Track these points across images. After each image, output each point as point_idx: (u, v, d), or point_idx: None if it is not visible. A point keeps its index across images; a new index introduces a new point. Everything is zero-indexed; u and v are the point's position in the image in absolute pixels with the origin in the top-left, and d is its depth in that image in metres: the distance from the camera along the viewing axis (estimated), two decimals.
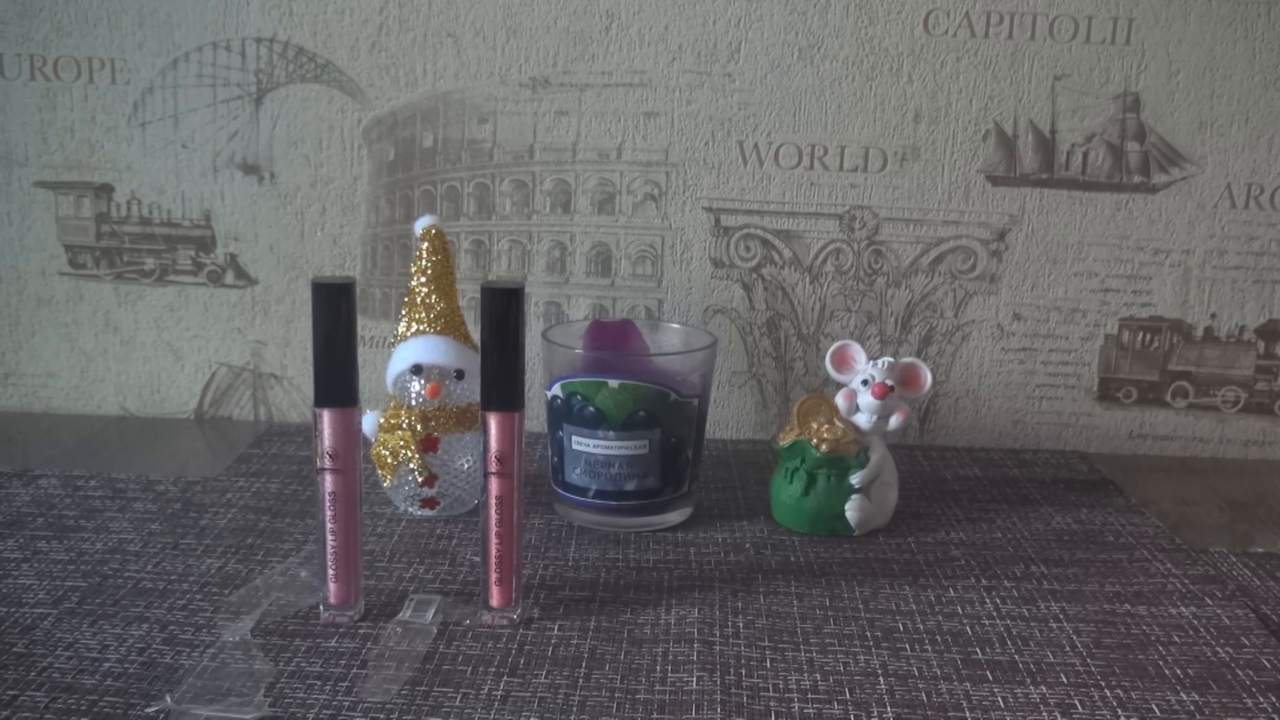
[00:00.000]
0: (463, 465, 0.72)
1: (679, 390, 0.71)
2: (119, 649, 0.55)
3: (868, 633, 0.59)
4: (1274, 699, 0.54)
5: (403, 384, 0.71)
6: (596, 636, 0.58)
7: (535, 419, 0.87)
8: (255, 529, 0.71)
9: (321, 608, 0.59)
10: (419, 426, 0.70)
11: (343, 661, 0.55)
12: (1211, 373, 0.91)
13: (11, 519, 0.71)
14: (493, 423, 0.57)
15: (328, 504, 0.58)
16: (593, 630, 0.59)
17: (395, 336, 0.74)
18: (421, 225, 0.73)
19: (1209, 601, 0.64)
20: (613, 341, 0.75)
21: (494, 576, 0.59)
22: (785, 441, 0.73)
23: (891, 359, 0.72)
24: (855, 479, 0.71)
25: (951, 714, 0.52)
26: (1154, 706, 0.53)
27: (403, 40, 0.87)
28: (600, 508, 0.72)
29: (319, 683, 0.53)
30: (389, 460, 0.71)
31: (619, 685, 0.54)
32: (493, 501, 0.58)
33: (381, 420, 0.72)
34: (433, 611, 0.60)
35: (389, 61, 0.87)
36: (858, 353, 0.73)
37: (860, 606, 0.62)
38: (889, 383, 0.71)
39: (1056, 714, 0.52)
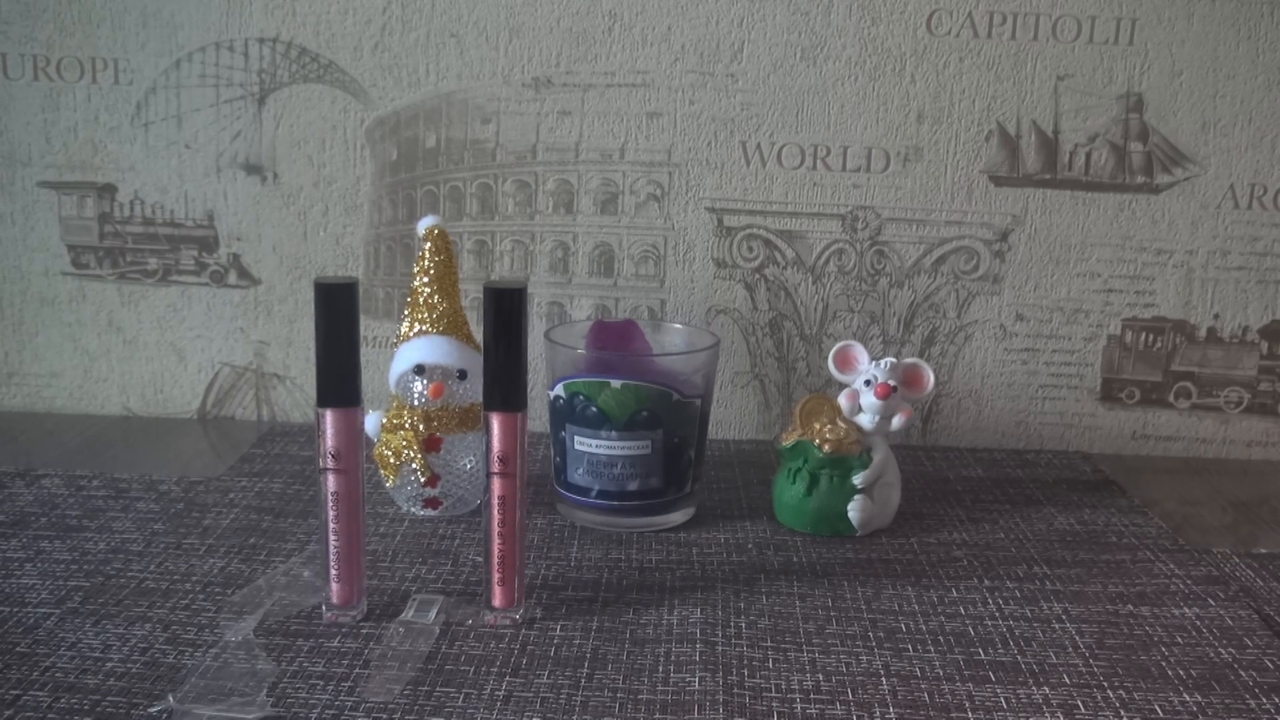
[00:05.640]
0: (465, 465, 0.72)
1: (681, 390, 0.71)
2: (122, 648, 0.55)
3: (870, 633, 0.59)
4: (1277, 700, 0.54)
5: (405, 384, 0.71)
6: (599, 637, 0.58)
7: (538, 419, 0.87)
8: (258, 529, 0.71)
9: (324, 608, 0.60)
10: (421, 426, 0.70)
11: (345, 661, 0.55)
12: (1214, 373, 0.91)
13: (15, 519, 0.71)
14: (495, 423, 0.57)
15: (330, 504, 0.58)
16: (595, 630, 0.59)
17: (398, 336, 0.74)
18: (424, 225, 0.73)
19: (1212, 602, 0.64)
20: (615, 342, 0.75)
21: (496, 576, 0.59)
22: (788, 442, 0.73)
23: (894, 359, 0.72)
24: (858, 479, 0.71)
25: (954, 714, 0.52)
26: (1157, 707, 0.53)
27: (405, 40, 0.87)
28: (603, 508, 0.72)
29: (321, 683, 0.53)
30: (391, 460, 0.71)
31: (621, 685, 0.54)
32: (495, 501, 0.58)
33: (384, 420, 0.72)
34: (435, 611, 0.60)
35: (392, 62, 0.87)
36: (860, 353, 0.73)
37: (863, 607, 0.62)
38: (892, 383, 0.71)
39: (1059, 714, 0.52)
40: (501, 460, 0.57)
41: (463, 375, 0.71)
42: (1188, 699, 0.54)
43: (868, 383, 0.71)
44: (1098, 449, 0.92)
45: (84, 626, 0.58)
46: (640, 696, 0.53)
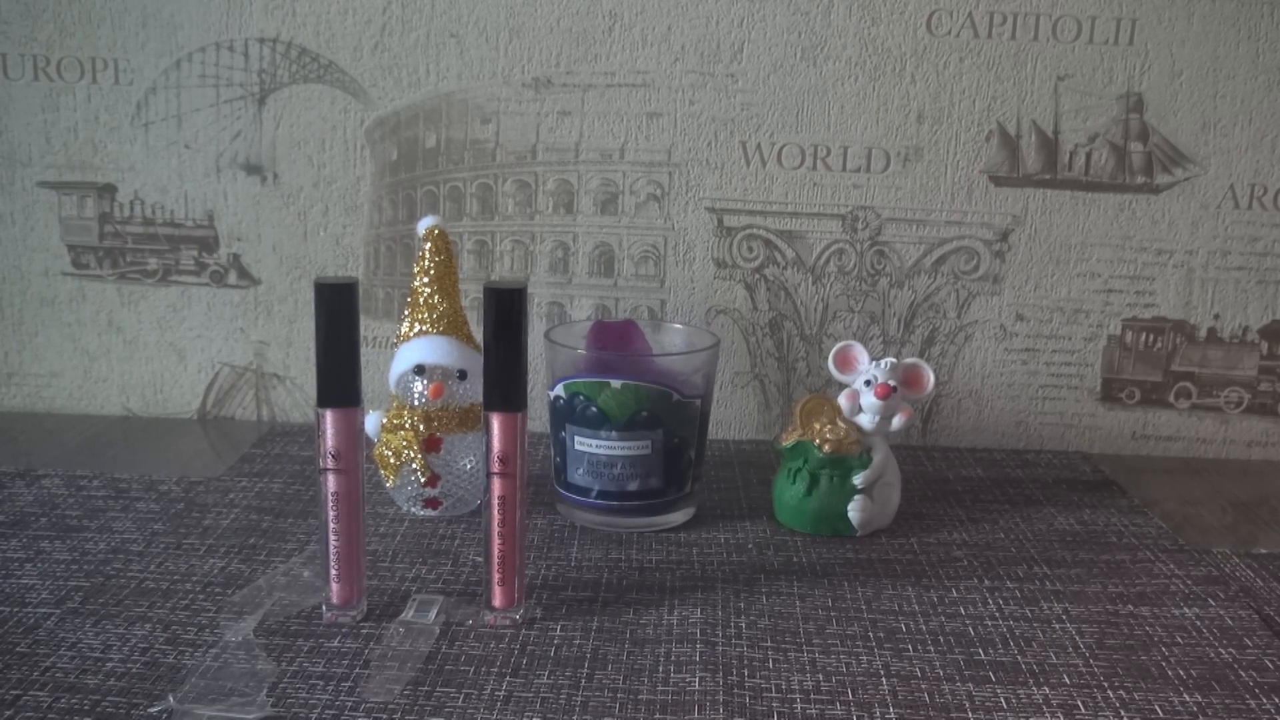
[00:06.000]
0: (465, 465, 0.72)
1: (681, 391, 0.71)
2: (122, 649, 0.55)
3: (870, 633, 0.59)
4: (1277, 700, 0.54)
5: (405, 384, 0.71)
6: (599, 637, 0.58)
7: (538, 419, 0.87)
8: (258, 529, 0.71)
9: (324, 608, 0.60)
10: (421, 427, 0.70)
11: (345, 661, 0.55)
12: (1214, 373, 0.91)
13: (15, 519, 0.71)
14: (495, 423, 0.57)
15: (330, 504, 0.58)
16: (595, 630, 0.59)
17: (398, 337, 0.74)
18: (424, 225, 0.73)
19: (1212, 602, 0.64)
20: (615, 342, 0.75)
21: (496, 577, 0.59)
22: (788, 442, 0.73)
23: (894, 359, 0.72)
24: (858, 479, 0.71)
25: (954, 715, 0.52)
26: (1156, 707, 0.53)
27: (405, 40, 0.87)
28: (603, 508, 0.72)
29: (321, 683, 0.53)
30: (392, 460, 0.71)
31: (621, 686, 0.54)
32: (495, 502, 0.58)
33: (384, 420, 0.72)
34: (435, 612, 0.60)
35: (392, 62, 0.87)
36: (860, 353, 0.73)
37: (863, 607, 0.62)
38: (892, 383, 0.71)
39: (1059, 715, 0.52)
40: (501, 460, 0.57)
41: (463, 375, 0.71)
42: (1188, 699, 0.54)
43: (868, 383, 0.71)
44: (1098, 449, 0.92)
45: (84, 626, 0.58)
46: (640, 696, 0.53)
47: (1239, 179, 0.88)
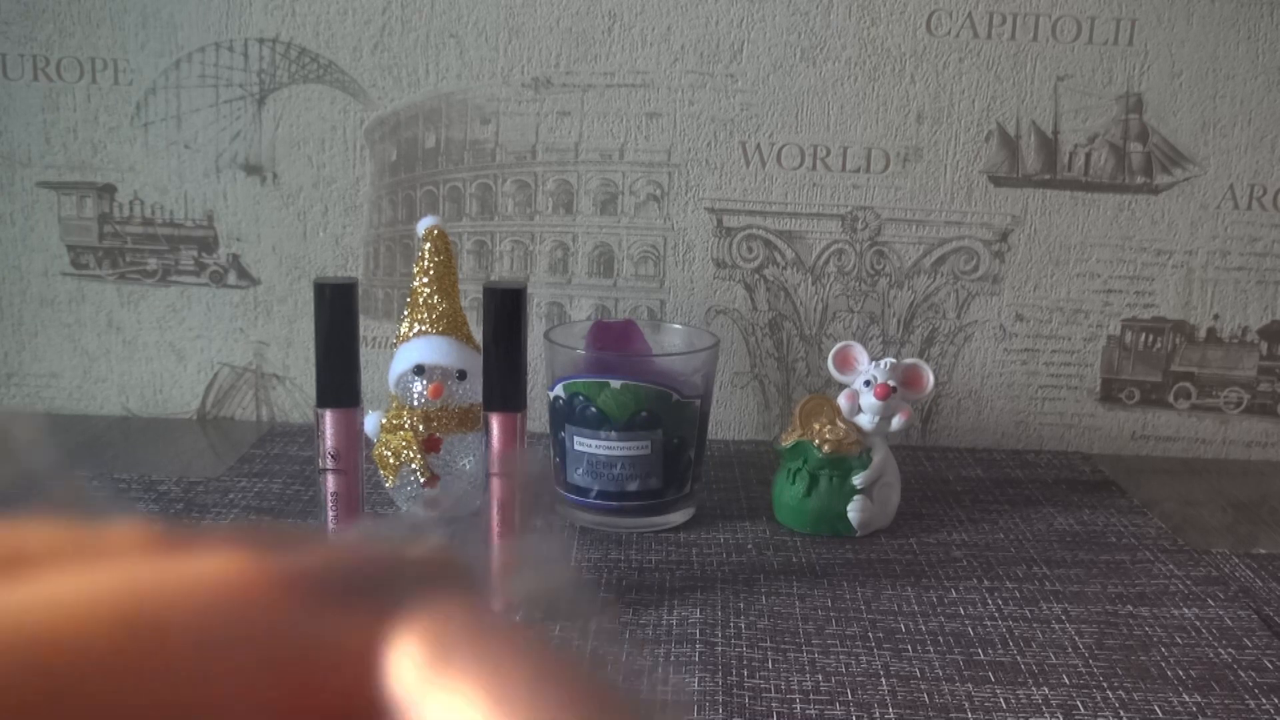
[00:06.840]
0: (465, 466, 0.72)
1: (681, 391, 0.71)
2: None
3: (870, 634, 0.59)
4: (1276, 700, 0.54)
5: (405, 384, 0.71)
6: (599, 637, 0.58)
7: (537, 419, 0.87)
8: None
9: None
10: (421, 427, 0.70)
11: None
12: (1214, 374, 0.91)
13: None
14: (495, 423, 0.57)
15: (330, 504, 0.58)
16: (594, 631, 0.59)
17: (398, 337, 0.74)
18: (424, 226, 0.73)
19: (1211, 603, 0.64)
20: (615, 342, 0.75)
21: None
22: (788, 442, 0.73)
23: (894, 360, 0.72)
24: (857, 480, 0.71)
25: (954, 715, 0.52)
26: (1156, 708, 0.53)
27: (405, 41, 0.87)
28: (602, 508, 0.72)
29: None
30: (391, 461, 0.71)
31: (621, 686, 0.54)
32: (495, 502, 0.58)
33: (384, 421, 0.72)
34: None
35: (391, 62, 0.87)
36: (860, 353, 0.73)
37: (862, 607, 0.62)
38: (891, 383, 0.71)
39: (1059, 715, 0.52)
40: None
41: (462, 375, 0.71)
42: (1187, 699, 0.54)
43: (867, 383, 0.71)
44: (1097, 449, 0.92)
45: None
46: (640, 697, 0.53)
47: (1238, 179, 0.88)
